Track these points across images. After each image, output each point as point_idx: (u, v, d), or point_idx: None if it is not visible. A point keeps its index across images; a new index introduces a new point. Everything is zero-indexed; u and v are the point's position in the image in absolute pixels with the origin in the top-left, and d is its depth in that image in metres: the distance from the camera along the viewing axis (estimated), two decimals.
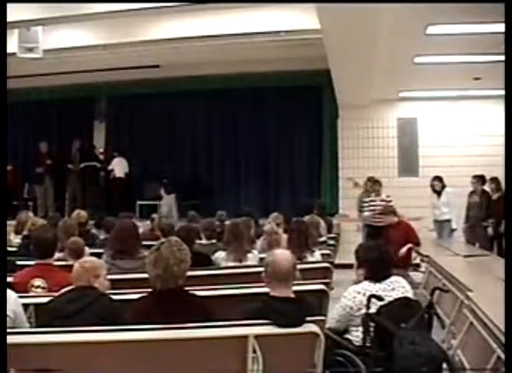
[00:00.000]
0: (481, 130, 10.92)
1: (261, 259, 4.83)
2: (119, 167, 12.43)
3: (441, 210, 9.29)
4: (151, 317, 2.96)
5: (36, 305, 3.62)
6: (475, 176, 9.49)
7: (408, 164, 11.20)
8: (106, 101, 13.58)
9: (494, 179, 9.37)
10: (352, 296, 3.74)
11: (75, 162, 12.48)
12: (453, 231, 9.32)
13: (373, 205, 8.71)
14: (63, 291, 3.37)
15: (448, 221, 9.30)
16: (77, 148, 12.62)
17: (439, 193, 9.36)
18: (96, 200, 12.27)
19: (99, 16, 8.15)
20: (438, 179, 9.40)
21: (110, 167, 12.49)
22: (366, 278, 3.83)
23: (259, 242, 6.35)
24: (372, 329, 3.52)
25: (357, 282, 3.91)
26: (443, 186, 9.34)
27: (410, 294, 3.85)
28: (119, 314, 3.16)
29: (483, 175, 9.43)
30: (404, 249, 7.03)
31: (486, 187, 9.37)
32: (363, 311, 3.64)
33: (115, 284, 4.42)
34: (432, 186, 9.41)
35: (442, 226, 9.37)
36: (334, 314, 3.83)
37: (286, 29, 8.96)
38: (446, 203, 9.26)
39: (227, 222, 6.98)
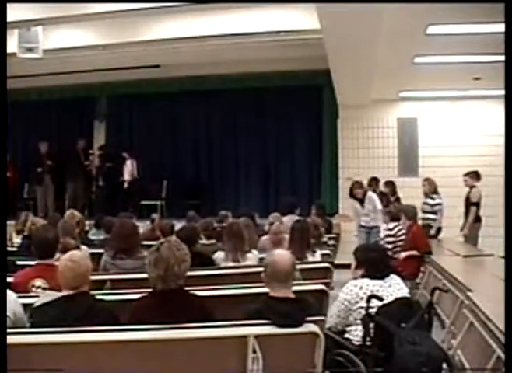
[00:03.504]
0: (481, 130, 10.91)
1: (261, 259, 4.83)
2: (129, 169, 12.36)
3: (371, 217, 8.76)
4: (151, 317, 2.96)
5: None
6: (386, 182, 9.67)
7: (408, 164, 11.19)
8: (107, 101, 13.58)
9: (389, 183, 9.56)
10: (349, 289, 3.77)
11: (79, 161, 12.49)
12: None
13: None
14: (51, 298, 3.24)
15: (376, 227, 8.78)
16: (81, 148, 12.63)
17: (361, 201, 8.82)
18: (100, 200, 12.31)
19: (99, 16, 8.15)
20: (358, 185, 8.81)
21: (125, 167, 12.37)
22: (364, 277, 3.84)
23: (259, 242, 6.35)
24: (372, 328, 3.52)
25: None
26: (365, 192, 8.87)
27: (405, 291, 3.87)
28: (117, 317, 3.16)
29: (392, 181, 9.65)
30: (403, 254, 6.95)
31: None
32: (360, 304, 3.66)
33: (115, 284, 4.44)
34: (355, 195, 8.78)
35: (370, 232, 8.89)
36: (333, 310, 3.85)
37: (286, 29, 8.97)
38: (372, 210, 8.72)
39: (224, 223, 7.01)
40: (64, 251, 4.62)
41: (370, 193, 8.79)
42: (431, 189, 8.86)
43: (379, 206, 8.64)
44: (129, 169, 12.34)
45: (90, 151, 12.73)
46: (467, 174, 8.75)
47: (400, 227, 7.43)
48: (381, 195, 9.53)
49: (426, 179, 9.12)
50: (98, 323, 2.92)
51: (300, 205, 10.17)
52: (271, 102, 12.64)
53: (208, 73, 11.91)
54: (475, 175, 8.70)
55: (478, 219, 8.65)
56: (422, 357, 3.21)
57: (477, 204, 8.60)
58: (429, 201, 8.60)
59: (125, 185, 12.29)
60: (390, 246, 7.20)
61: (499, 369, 3.41)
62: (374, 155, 11.28)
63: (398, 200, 9.56)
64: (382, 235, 7.95)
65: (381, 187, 9.83)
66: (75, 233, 5.86)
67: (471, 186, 8.69)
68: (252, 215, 7.67)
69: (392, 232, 7.29)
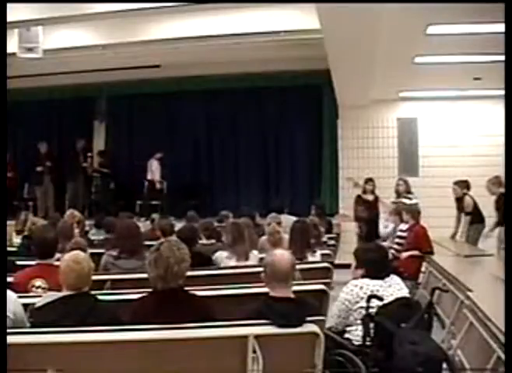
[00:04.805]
0: (481, 130, 10.91)
1: (261, 259, 4.83)
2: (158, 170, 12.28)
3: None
4: (151, 317, 2.97)
5: None
6: (367, 179, 9.68)
7: (408, 164, 11.20)
8: (106, 101, 13.57)
9: (369, 180, 9.58)
10: (349, 289, 3.78)
11: (78, 162, 12.48)
12: None
13: None
14: (52, 298, 3.22)
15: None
16: (81, 147, 12.62)
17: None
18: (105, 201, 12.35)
19: (99, 16, 8.16)
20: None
21: (152, 168, 12.23)
22: (364, 277, 3.84)
23: (259, 242, 6.35)
24: (372, 328, 3.52)
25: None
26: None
27: (405, 291, 3.87)
28: (119, 318, 3.16)
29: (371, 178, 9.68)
30: (405, 254, 6.94)
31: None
32: (360, 304, 3.66)
33: (116, 284, 4.44)
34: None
35: None
36: (333, 310, 3.85)
37: (286, 29, 8.97)
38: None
39: (224, 223, 7.00)
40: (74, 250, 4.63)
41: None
42: (406, 188, 8.91)
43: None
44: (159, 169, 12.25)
45: (89, 154, 12.70)
46: (455, 183, 8.72)
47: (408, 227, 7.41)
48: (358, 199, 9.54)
49: (401, 179, 9.18)
50: (100, 323, 2.92)
51: (300, 205, 10.19)
52: (272, 102, 12.64)
53: (209, 73, 11.91)
54: (465, 184, 8.68)
55: (481, 220, 8.65)
56: (421, 357, 3.21)
57: (471, 213, 8.60)
58: (407, 201, 8.56)
59: (158, 186, 12.18)
60: (398, 247, 7.20)
61: (499, 369, 3.41)
62: (374, 155, 11.28)
63: (376, 198, 9.49)
64: (387, 229, 7.98)
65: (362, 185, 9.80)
66: (74, 233, 5.85)
67: (463, 195, 8.66)
68: (253, 215, 7.67)
69: (404, 234, 7.28)
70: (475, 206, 8.61)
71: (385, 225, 8.20)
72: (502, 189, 7.92)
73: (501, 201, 7.87)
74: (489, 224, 8.74)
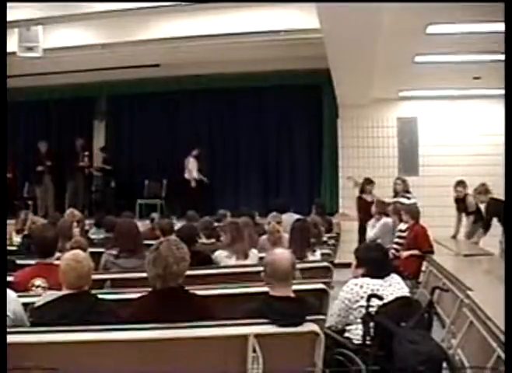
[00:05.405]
0: (481, 129, 10.91)
1: (261, 258, 4.83)
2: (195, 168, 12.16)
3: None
4: (151, 316, 2.96)
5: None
6: (366, 179, 9.66)
7: (409, 163, 11.20)
8: (106, 100, 13.56)
9: (368, 180, 9.59)
10: (349, 288, 3.77)
11: (79, 160, 12.48)
12: None
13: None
14: (52, 297, 3.21)
15: None
16: (81, 146, 12.61)
17: None
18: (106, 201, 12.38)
19: (99, 16, 8.17)
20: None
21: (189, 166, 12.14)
22: (364, 276, 3.84)
23: (259, 242, 6.35)
24: (372, 328, 3.52)
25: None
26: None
27: (406, 290, 3.87)
28: (120, 317, 3.15)
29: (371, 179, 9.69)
30: (405, 254, 6.94)
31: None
32: (360, 303, 3.66)
33: (116, 283, 4.45)
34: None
35: None
36: (333, 309, 3.85)
37: (286, 29, 8.97)
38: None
39: (222, 222, 7.01)
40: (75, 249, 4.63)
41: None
42: (404, 188, 8.91)
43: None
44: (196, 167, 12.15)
45: (86, 153, 12.67)
46: (458, 184, 8.70)
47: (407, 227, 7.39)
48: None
49: (399, 178, 9.19)
50: (100, 323, 2.92)
51: (300, 204, 10.17)
52: (272, 102, 12.63)
53: (209, 72, 11.90)
54: (465, 184, 8.69)
55: (482, 219, 8.65)
56: (422, 356, 3.21)
57: (474, 213, 8.61)
58: (405, 201, 8.55)
59: (193, 184, 12.05)
60: (398, 247, 7.21)
61: (499, 368, 3.41)
62: (374, 154, 11.28)
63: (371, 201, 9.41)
64: (374, 230, 7.98)
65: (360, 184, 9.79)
66: (73, 232, 5.85)
67: (465, 196, 8.65)
68: (252, 215, 7.67)
69: (404, 234, 7.28)
70: (477, 205, 8.62)
71: (372, 226, 8.13)
72: (490, 196, 7.93)
73: (490, 207, 7.87)
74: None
